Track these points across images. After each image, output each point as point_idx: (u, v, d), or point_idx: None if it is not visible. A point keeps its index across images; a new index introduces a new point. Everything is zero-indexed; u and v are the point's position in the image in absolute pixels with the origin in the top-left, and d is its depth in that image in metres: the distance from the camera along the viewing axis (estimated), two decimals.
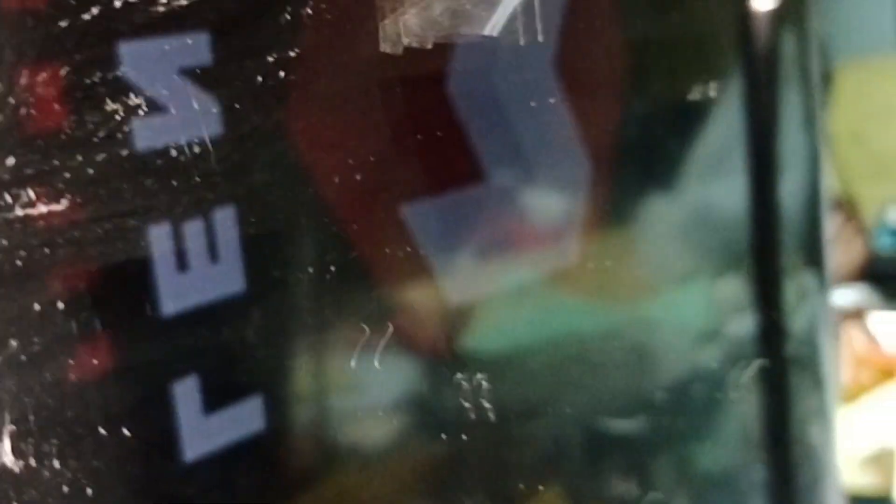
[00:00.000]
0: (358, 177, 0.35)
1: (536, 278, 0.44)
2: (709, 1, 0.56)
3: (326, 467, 0.36)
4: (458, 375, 0.40)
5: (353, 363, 0.35)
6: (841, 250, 1.69)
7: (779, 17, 0.57)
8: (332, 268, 0.34)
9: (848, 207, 1.72)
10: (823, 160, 0.65)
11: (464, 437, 0.40)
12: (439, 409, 0.40)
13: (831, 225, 1.66)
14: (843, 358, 1.02)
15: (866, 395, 0.91)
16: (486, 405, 0.41)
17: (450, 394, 0.40)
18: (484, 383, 0.40)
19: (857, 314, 1.03)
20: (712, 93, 0.56)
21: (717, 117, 0.56)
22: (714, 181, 0.57)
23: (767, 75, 0.58)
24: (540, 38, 0.40)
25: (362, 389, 0.37)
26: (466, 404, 0.40)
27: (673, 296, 0.54)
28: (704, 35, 0.56)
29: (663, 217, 0.53)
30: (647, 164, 0.51)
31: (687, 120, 0.54)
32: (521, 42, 0.39)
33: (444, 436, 0.40)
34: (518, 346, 0.43)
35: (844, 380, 1.01)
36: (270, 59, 0.31)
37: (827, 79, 1.85)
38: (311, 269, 0.34)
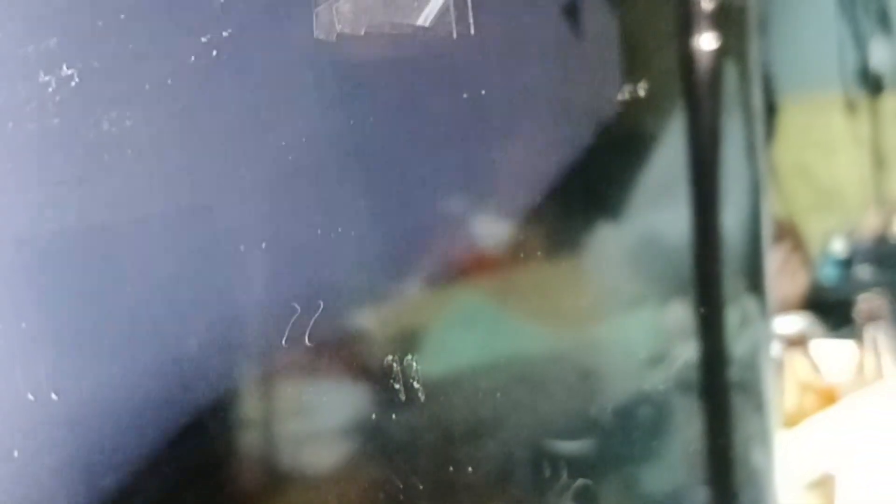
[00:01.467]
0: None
1: (484, 303, 0.44)
2: (654, 38, 0.57)
3: (274, 490, 0.35)
4: (406, 399, 0.39)
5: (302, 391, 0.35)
6: (786, 281, 1.70)
7: (720, 54, 0.58)
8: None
9: (793, 238, 1.73)
10: (765, 191, 0.65)
11: (411, 458, 0.40)
12: (386, 433, 0.40)
13: (777, 255, 1.68)
14: (786, 384, 1.03)
15: (808, 420, 0.92)
16: (434, 427, 0.40)
17: (397, 417, 0.39)
18: (431, 406, 0.40)
19: (800, 342, 1.04)
20: (657, 125, 0.56)
21: (663, 148, 0.56)
22: (660, 210, 0.57)
23: (710, 109, 0.59)
24: (472, 30, 0.40)
25: (310, 414, 0.36)
26: (414, 426, 0.40)
27: (620, 321, 0.54)
28: (650, 69, 0.57)
29: (611, 244, 0.53)
30: (594, 192, 0.51)
31: (633, 150, 0.55)
32: (454, 35, 0.39)
33: (391, 458, 0.39)
34: (465, 368, 0.42)
35: (788, 406, 1.01)
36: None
37: (773, 113, 1.87)
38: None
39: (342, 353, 0.37)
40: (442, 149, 0.41)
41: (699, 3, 0.58)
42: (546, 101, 0.48)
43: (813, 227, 2.27)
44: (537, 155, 0.47)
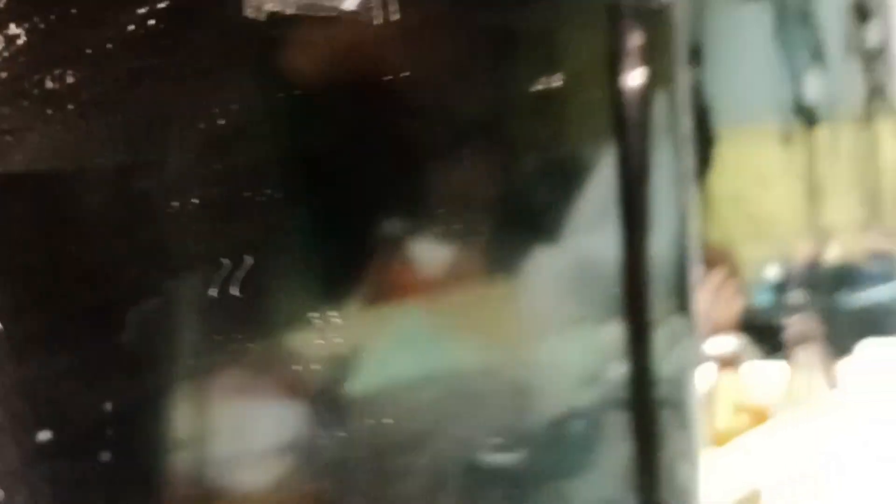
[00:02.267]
0: None
1: (421, 322, 0.45)
2: (586, 68, 0.58)
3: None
4: (342, 414, 0.40)
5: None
6: (721, 305, 1.72)
7: (650, 86, 0.60)
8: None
9: (728, 265, 1.76)
10: (692, 216, 0.67)
11: (346, 470, 0.40)
12: (323, 448, 0.40)
13: (712, 281, 1.70)
14: (718, 404, 1.04)
15: (739, 438, 0.93)
16: (368, 440, 0.41)
17: (334, 431, 0.40)
18: (366, 419, 0.41)
19: (732, 362, 1.06)
20: (590, 156, 0.57)
21: (597, 176, 0.58)
22: (594, 235, 0.58)
23: (640, 141, 0.60)
24: (396, 16, 0.41)
25: (246, 435, 0.37)
26: (350, 440, 0.40)
27: (554, 341, 0.55)
28: (583, 102, 0.58)
29: (546, 267, 0.54)
30: (530, 218, 0.52)
31: (568, 179, 0.56)
32: (376, 21, 0.40)
33: (326, 472, 0.40)
34: (401, 383, 0.43)
35: (719, 425, 1.03)
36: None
37: (711, 144, 1.90)
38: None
39: (280, 373, 0.38)
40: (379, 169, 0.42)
41: (628, 38, 0.59)
42: (483, 131, 0.49)
43: (748, 255, 2.30)
44: (476, 181, 0.48)
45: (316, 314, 0.39)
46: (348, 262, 0.41)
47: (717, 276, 1.70)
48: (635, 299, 0.61)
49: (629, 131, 0.60)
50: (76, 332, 0.32)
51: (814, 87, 2.85)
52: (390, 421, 0.43)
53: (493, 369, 0.50)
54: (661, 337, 0.62)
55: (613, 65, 0.59)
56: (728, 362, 1.06)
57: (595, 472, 0.58)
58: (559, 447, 0.54)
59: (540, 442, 0.53)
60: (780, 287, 1.69)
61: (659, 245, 0.61)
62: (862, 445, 0.87)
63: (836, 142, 2.82)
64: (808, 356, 1.11)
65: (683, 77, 0.66)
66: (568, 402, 0.56)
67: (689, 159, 0.68)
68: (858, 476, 0.82)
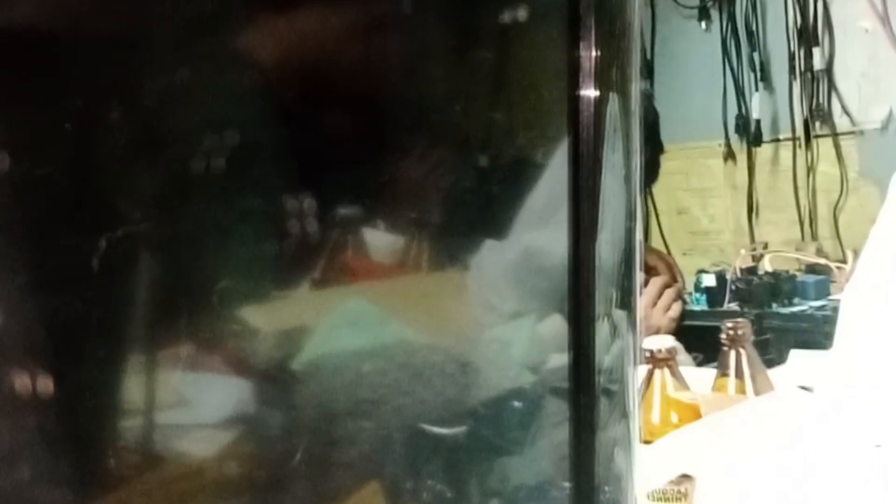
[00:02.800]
0: None
1: (369, 306, 0.46)
2: (542, 75, 0.60)
3: (154, 479, 0.36)
4: (287, 388, 0.41)
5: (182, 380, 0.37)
6: (660, 312, 1.76)
7: (604, 94, 0.61)
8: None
9: (669, 272, 1.80)
10: (637, 217, 0.69)
11: (291, 441, 0.42)
12: (268, 419, 0.41)
13: (653, 288, 1.73)
14: (652, 399, 1.07)
15: (672, 433, 0.96)
16: (314, 407, 0.42)
17: (279, 404, 0.41)
18: (311, 387, 0.42)
19: (667, 360, 1.09)
20: (542, 154, 0.59)
21: (547, 175, 0.59)
22: (541, 231, 0.60)
23: (592, 143, 0.62)
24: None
25: (192, 406, 0.38)
26: (295, 412, 0.42)
27: (498, 328, 0.57)
28: (538, 102, 0.60)
29: (493, 260, 0.55)
30: (480, 211, 0.54)
31: (518, 175, 0.58)
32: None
33: (272, 442, 0.41)
34: (346, 358, 0.45)
35: (653, 420, 1.06)
36: None
37: (654, 155, 1.93)
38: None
39: (227, 347, 0.39)
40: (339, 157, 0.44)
41: (585, 40, 0.61)
42: (439, 122, 0.51)
43: (688, 265, 2.35)
44: (428, 173, 0.49)
45: (265, 292, 0.40)
46: (299, 244, 0.42)
47: (658, 282, 1.74)
48: (580, 293, 0.63)
49: (582, 133, 0.62)
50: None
51: (757, 106, 2.91)
52: (335, 393, 0.44)
53: (437, 349, 0.52)
54: (604, 330, 0.64)
55: (570, 67, 0.61)
56: (662, 360, 1.09)
57: (533, 453, 0.60)
58: (499, 425, 0.56)
59: (480, 418, 0.54)
60: (716, 294, 1.74)
61: (605, 244, 0.63)
62: (790, 443, 0.90)
63: (776, 160, 2.88)
64: (740, 360, 1.14)
65: (636, 85, 0.68)
66: (509, 385, 0.57)
67: (638, 165, 0.70)
68: (789, 470, 0.85)
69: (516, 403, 0.58)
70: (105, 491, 0.34)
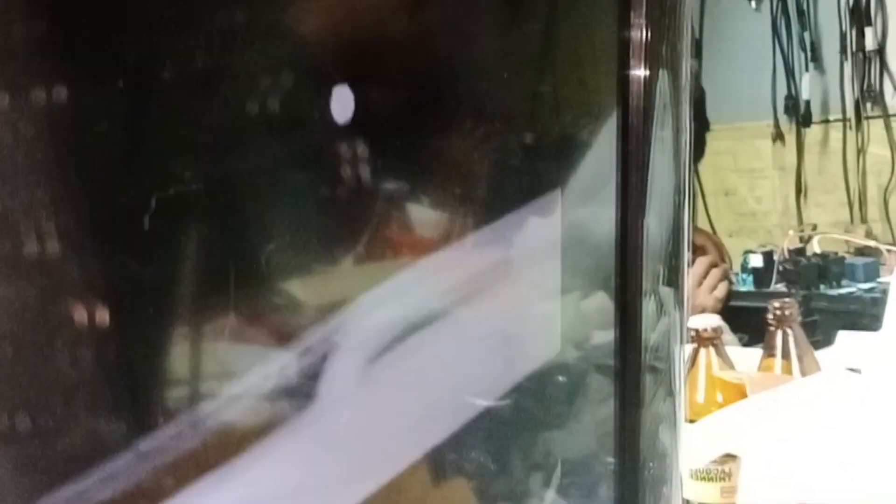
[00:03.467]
0: None
1: (414, 279, 0.46)
2: (591, 51, 0.60)
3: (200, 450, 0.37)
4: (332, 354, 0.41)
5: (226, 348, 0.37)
6: (706, 292, 1.75)
7: (655, 70, 0.61)
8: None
9: (716, 252, 1.78)
10: (686, 194, 0.68)
11: (335, 412, 0.42)
12: (312, 388, 0.41)
13: (699, 268, 1.72)
14: (697, 379, 1.06)
15: (716, 412, 0.95)
16: (359, 377, 0.42)
17: (324, 370, 0.41)
18: (355, 357, 0.42)
19: (712, 339, 1.08)
20: (589, 130, 0.59)
21: (593, 151, 0.59)
22: (587, 208, 0.60)
23: (641, 120, 0.61)
24: None
25: (236, 376, 0.38)
26: (339, 378, 0.42)
27: (544, 304, 0.57)
28: (587, 79, 0.60)
29: (539, 236, 0.55)
30: (526, 187, 0.54)
31: (564, 152, 0.57)
32: None
33: (316, 412, 0.41)
34: (393, 323, 0.45)
35: (697, 399, 1.05)
36: None
37: (702, 135, 1.92)
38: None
39: (274, 319, 0.39)
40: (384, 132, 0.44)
41: (635, 22, 0.60)
42: (487, 95, 0.50)
43: (734, 246, 2.33)
44: (477, 147, 0.49)
45: (311, 265, 0.40)
46: (345, 216, 0.42)
47: (704, 262, 1.73)
48: (627, 270, 0.62)
49: (631, 109, 0.61)
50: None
51: (807, 87, 2.86)
52: (380, 364, 0.44)
53: (481, 323, 0.51)
54: (650, 307, 0.63)
55: (620, 42, 0.60)
56: (708, 339, 1.08)
57: (578, 428, 0.60)
58: (543, 399, 0.56)
59: (524, 392, 0.54)
60: (762, 275, 1.72)
61: (653, 220, 0.63)
62: (836, 424, 0.89)
63: (825, 141, 2.84)
64: (787, 340, 1.12)
65: (686, 62, 0.67)
66: (554, 360, 0.57)
67: (687, 142, 0.69)
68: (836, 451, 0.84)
69: (560, 378, 0.57)
70: (149, 454, 0.34)
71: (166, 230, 0.35)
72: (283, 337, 0.39)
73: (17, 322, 0.31)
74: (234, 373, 0.38)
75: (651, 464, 0.64)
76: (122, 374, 0.33)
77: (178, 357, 0.36)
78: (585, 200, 0.59)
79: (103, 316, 0.32)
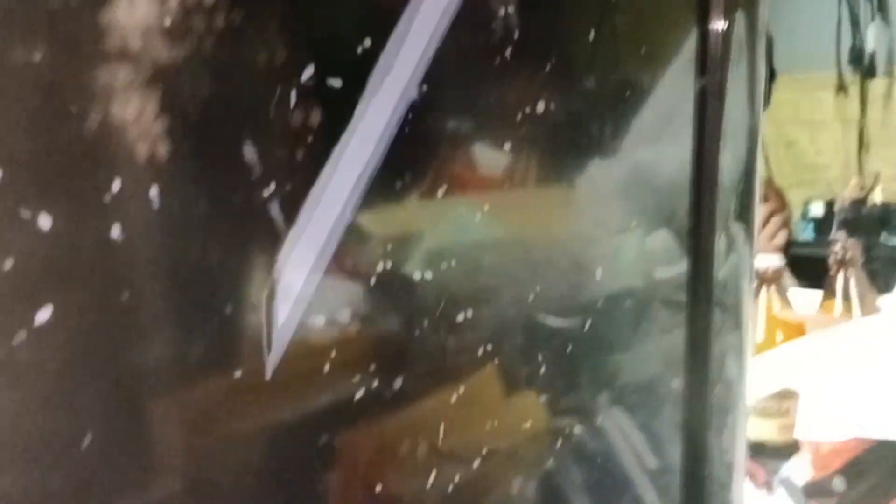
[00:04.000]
0: None
1: (480, 212, 0.47)
2: None
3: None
4: (406, 283, 0.43)
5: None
6: (766, 240, 1.75)
7: (731, 18, 0.62)
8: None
9: (776, 200, 1.78)
10: (758, 133, 0.70)
11: (409, 317, 0.43)
12: (391, 302, 0.43)
13: (761, 214, 1.72)
14: (758, 317, 1.08)
15: (776, 349, 0.96)
16: (434, 296, 0.44)
17: (403, 290, 0.43)
18: (432, 277, 0.44)
19: (774, 278, 1.09)
20: (656, 73, 0.60)
21: (662, 93, 0.60)
22: (655, 146, 0.61)
23: (719, 61, 0.63)
24: None
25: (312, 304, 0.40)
26: (415, 295, 0.43)
27: (613, 238, 0.58)
28: (663, 20, 0.61)
29: (604, 176, 0.56)
30: (589, 129, 0.55)
31: (634, 94, 0.58)
32: None
33: (395, 324, 0.43)
34: (466, 245, 0.46)
35: (759, 338, 1.07)
36: None
37: (769, 81, 1.90)
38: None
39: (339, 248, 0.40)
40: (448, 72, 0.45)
41: None
42: (556, 35, 0.51)
43: (795, 198, 2.32)
44: (539, 91, 0.50)
45: (380, 202, 0.41)
46: (412, 154, 0.43)
47: (764, 209, 1.72)
48: (701, 206, 0.64)
49: (710, 51, 0.63)
50: None
51: (872, 38, 2.82)
52: (455, 281, 0.45)
53: (551, 251, 0.53)
54: (721, 242, 0.65)
55: None
56: (770, 278, 1.09)
57: (646, 353, 0.61)
58: (612, 324, 0.58)
59: (595, 313, 0.56)
60: (823, 224, 1.72)
61: (727, 158, 0.64)
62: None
63: (889, 94, 2.80)
64: (847, 282, 1.13)
65: (764, 7, 0.68)
66: (622, 289, 0.59)
67: (761, 85, 0.70)
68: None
69: (628, 305, 0.59)
70: (220, 371, 0.36)
71: None
72: (353, 269, 0.41)
73: None
74: (311, 299, 0.39)
75: (717, 389, 0.66)
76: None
77: (251, 280, 0.37)
78: (652, 141, 0.60)
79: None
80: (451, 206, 0.45)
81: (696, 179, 0.63)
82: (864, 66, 2.80)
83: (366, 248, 0.41)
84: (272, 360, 0.37)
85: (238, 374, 0.36)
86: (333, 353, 0.40)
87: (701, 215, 0.64)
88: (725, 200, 0.65)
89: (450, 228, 0.46)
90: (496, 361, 0.49)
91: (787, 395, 0.95)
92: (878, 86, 2.83)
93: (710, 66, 0.63)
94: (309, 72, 0.37)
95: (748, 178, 0.69)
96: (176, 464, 0.35)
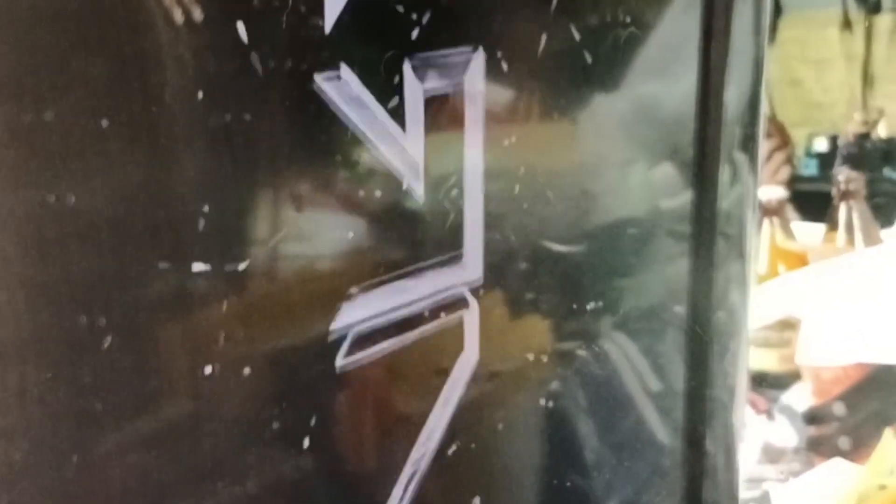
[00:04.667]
0: None
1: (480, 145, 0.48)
2: None
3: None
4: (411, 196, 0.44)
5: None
6: (769, 175, 1.75)
7: None
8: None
9: (780, 136, 1.77)
10: (764, 64, 0.70)
11: (413, 251, 0.44)
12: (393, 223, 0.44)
13: (763, 152, 1.72)
14: (761, 247, 1.08)
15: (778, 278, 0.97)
16: (439, 216, 0.45)
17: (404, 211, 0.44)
18: (434, 200, 0.44)
19: (777, 210, 1.09)
20: (660, 10, 0.60)
21: (666, 28, 0.60)
22: (660, 79, 0.61)
23: None
24: None
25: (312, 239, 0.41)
26: (418, 215, 0.44)
27: (618, 170, 0.59)
28: None
29: (607, 110, 0.56)
30: (592, 63, 0.55)
31: (638, 27, 0.58)
32: None
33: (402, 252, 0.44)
34: (468, 170, 0.46)
35: (762, 269, 1.07)
36: None
37: (775, 24, 1.89)
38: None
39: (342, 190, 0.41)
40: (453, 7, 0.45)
41: None
42: None
43: (800, 137, 2.31)
44: (540, 27, 0.50)
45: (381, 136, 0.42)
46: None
47: (767, 145, 1.72)
48: (706, 139, 0.64)
49: None
50: None
51: None
52: (460, 206, 0.46)
53: (556, 174, 0.53)
54: (725, 173, 0.65)
55: None
56: (773, 210, 1.09)
57: (650, 280, 0.62)
58: (619, 249, 0.58)
59: (601, 240, 0.56)
60: (827, 159, 1.71)
61: (733, 90, 0.64)
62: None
63: (895, 31, 2.77)
64: (850, 214, 1.13)
65: None
66: (627, 217, 0.59)
67: (767, 18, 0.70)
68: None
69: (632, 232, 0.60)
70: (223, 298, 0.36)
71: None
72: (354, 203, 0.41)
73: None
74: (311, 233, 0.39)
75: (720, 315, 0.67)
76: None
77: (265, 217, 0.37)
78: (658, 75, 0.60)
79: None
80: (451, 142, 0.46)
81: (700, 112, 0.64)
82: (869, 1, 2.78)
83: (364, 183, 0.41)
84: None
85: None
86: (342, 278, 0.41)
87: (705, 147, 0.64)
88: (730, 132, 0.65)
89: (455, 159, 0.46)
90: (501, 288, 0.50)
91: (788, 325, 0.96)
92: (883, 21, 2.81)
93: (717, 0, 0.63)
94: None
95: (752, 110, 0.69)
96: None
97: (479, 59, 0.46)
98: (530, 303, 0.52)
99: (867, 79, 2.79)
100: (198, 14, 0.33)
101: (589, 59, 0.53)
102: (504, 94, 0.48)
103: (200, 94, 0.34)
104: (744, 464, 0.71)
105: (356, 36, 0.40)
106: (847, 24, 2.85)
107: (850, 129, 1.76)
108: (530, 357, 0.53)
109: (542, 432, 0.55)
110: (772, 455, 0.89)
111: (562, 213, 0.53)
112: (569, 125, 0.53)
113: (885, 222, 1.35)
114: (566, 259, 0.54)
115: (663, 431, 0.64)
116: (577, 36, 0.51)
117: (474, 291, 0.48)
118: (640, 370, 0.61)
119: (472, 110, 0.46)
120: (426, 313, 0.45)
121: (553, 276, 0.53)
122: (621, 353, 0.59)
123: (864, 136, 1.77)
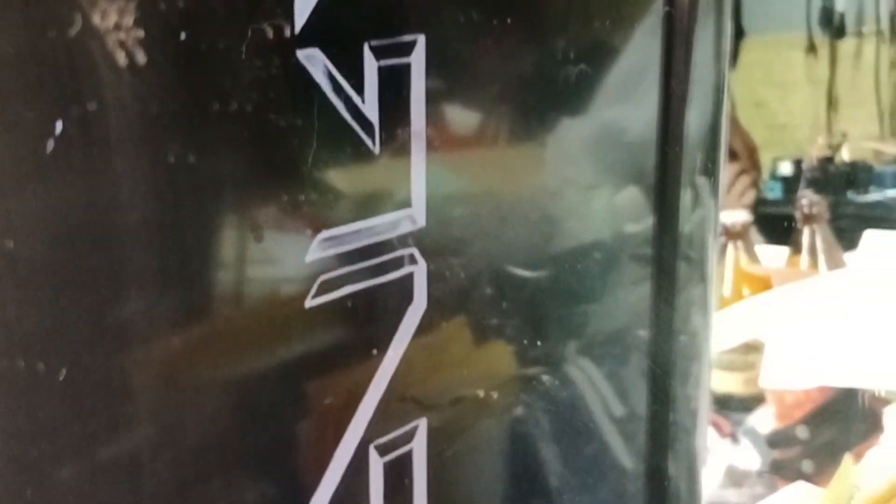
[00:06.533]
0: None
1: (450, 167, 0.48)
2: None
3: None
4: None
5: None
6: (736, 198, 1.77)
7: None
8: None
9: (747, 158, 1.79)
10: (725, 90, 0.70)
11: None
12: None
13: (728, 174, 1.73)
14: (725, 272, 1.09)
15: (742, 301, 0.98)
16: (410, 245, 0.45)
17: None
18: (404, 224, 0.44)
19: (741, 233, 1.10)
20: (627, 31, 0.60)
21: (632, 52, 0.61)
22: (623, 105, 0.62)
23: (686, 18, 0.63)
24: None
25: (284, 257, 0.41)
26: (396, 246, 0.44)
27: (580, 195, 0.59)
28: None
29: (571, 135, 0.57)
30: (558, 89, 0.55)
31: (601, 53, 0.59)
32: None
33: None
34: (434, 196, 0.47)
35: (726, 292, 1.08)
36: None
37: (737, 48, 1.91)
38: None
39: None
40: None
41: None
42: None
43: (765, 159, 2.33)
44: (507, 53, 0.50)
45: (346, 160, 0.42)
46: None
47: (733, 168, 1.74)
48: (667, 164, 0.65)
49: (677, 8, 0.63)
50: None
51: None
52: (426, 231, 0.46)
53: (520, 201, 0.53)
54: (688, 198, 0.66)
55: None
56: (737, 233, 1.10)
57: (613, 304, 0.62)
58: (580, 276, 0.58)
59: (562, 265, 0.57)
60: (792, 182, 1.73)
61: (694, 114, 0.65)
62: (860, 315, 0.91)
63: (858, 54, 2.82)
64: (814, 237, 1.15)
65: None
66: (591, 242, 0.60)
67: (728, 43, 0.71)
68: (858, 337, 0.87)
69: (596, 257, 0.60)
70: (203, 316, 0.37)
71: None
72: (320, 227, 0.41)
73: None
74: (283, 254, 0.40)
75: (682, 339, 0.67)
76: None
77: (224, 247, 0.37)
78: (621, 100, 0.61)
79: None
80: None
81: (662, 136, 0.64)
82: (833, 26, 2.82)
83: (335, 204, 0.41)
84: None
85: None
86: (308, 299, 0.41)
87: (667, 171, 0.65)
88: (691, 156, 0.66)
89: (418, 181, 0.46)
90: (466, 314, 0.50)
91: (752, 348, 0.97)
92: (847, 46, 2.85)
93: (677, 24, 0.63)
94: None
95: (714, 134, 0.69)
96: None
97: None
98: (494, 328, 0.52)
99: (831, 102, 2.83)
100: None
101: (549, 84, 0.53)
102: (469, 119, 0.48)
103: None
104: (707, 488, 0.72)
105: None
106: (811, 47, 2.89)
107: (814, 152, 1.78)
108: (494, 382, 0.53)
109: (504, 458, 0.55)
110: (735, 478, 0.90)
111: (527, 240, 0.53)
112: (536, 150, 0.54)
113: (849, 246, 1.37)
114: (531, 285, 0.54)
115: (626, 456, 0.64)
116: (535, 62, 0.52)
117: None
118: (603, 395, 0.61)
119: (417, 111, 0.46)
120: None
121: (517, 302, 0.53)
122: (584, 377, 0.60)
123: (828, 160, 1.80)
